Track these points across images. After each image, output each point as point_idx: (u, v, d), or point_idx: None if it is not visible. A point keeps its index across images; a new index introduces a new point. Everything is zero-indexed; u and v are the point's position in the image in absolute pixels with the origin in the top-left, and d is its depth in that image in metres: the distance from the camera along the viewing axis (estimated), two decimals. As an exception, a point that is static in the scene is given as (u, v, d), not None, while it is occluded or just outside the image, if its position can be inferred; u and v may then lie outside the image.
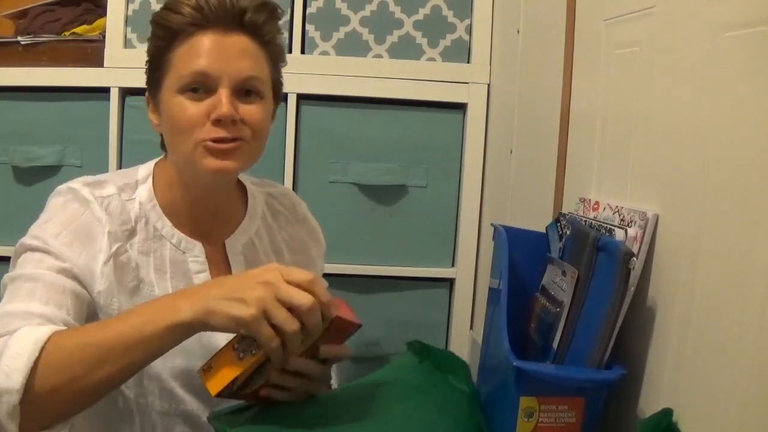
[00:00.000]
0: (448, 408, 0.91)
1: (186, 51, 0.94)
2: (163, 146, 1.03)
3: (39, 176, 1.64)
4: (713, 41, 0.74)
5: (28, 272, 0.90)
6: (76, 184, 0.98)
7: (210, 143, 0.92)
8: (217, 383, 0.80)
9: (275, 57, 1.01)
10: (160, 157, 1.05)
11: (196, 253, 1.01)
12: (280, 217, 1.15)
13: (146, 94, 1.01)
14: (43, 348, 0.78)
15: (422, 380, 0.98)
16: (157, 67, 0.97)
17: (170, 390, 0.98)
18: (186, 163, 0.96)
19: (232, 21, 0.94)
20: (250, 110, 0.95)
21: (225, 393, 0.81)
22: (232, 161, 0.94)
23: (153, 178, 1.02)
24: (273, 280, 0.78)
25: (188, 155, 0.94)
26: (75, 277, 0.91)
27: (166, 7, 0.95)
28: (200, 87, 0.93)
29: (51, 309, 0.86)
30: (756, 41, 0.67)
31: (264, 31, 0.97)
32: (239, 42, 0.95)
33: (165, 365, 0.96)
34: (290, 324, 0.77)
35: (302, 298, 0.77)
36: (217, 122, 0.92)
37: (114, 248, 0.95)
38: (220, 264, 1.04)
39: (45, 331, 0.80)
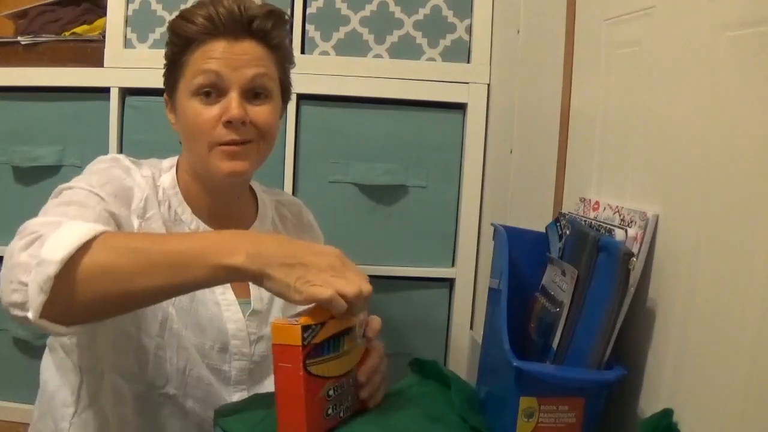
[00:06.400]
0: (445, 414, 0.91)
1: (199, 56, 1.00)
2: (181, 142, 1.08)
3: (39, 176, 1.64)
4: (713, 41, 0.74)
5: (77, 199, 0.91)
6: (119, 155, 1.04)
7: (223, 146, 0.99)
8: (306, 320, 0.77)
9: (282, 59, 1.07)
10: (181, 154, 1.10)
11: None
12: (288, 224, 1.20)
13: (164, 94, 1.08)
14: (95, 237, 0.78)
15: (421, 390, 0.99)
16: (173, 70, 1.03)
17: (187, 349, 1.01)
18: (201, 163, 1.02)
19: (242, 29, 1.00)
20: (258, 111, 1.00)
21: (309, 336, 0.76)
22: (243, 162, 1.00)
23: (176, 168, 1.08)
24: (337, 265, 0.80)
25: (203, 156, 1.00)
26: (117, 223, 0.95)
27: (182, 17, 1.02)
28: (212, 90, 0.99)
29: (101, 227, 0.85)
30: (756, 41, 0.67)
31: (271, 36, 1.03)
32: (248, 47, 1.00)
33: (184, 332, 1.00)
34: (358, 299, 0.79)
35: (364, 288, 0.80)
36: (228, 124, 0.98)
37: (148, 214, 1.00)
38: None
39: (100, 227, 0.81)
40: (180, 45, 1.01)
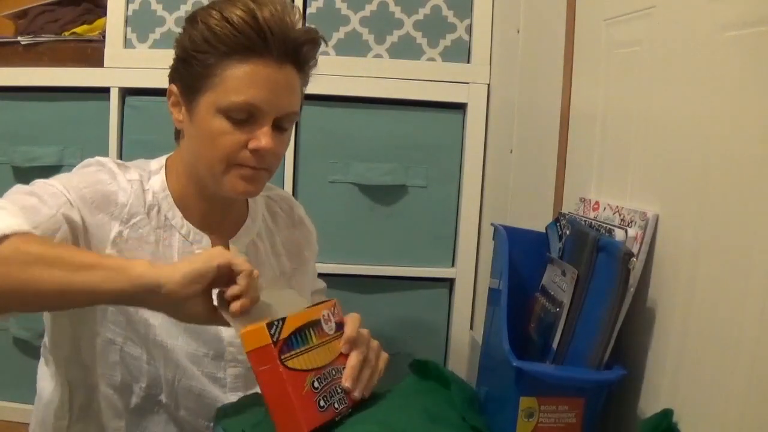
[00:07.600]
0: (445, 414, 0.91)
1: (242, 77, 0.93)
2: (176, 137, 1.05)
3: (39, 176, 1.59)
4: (713, 41, 0.74)
5: (43, 194, 0.91)
6: (105, 159, 1.01)
7: (243, 170, 0.96)
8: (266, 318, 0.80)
9: (306, 84, 1.03)
10: (170, 153, 1.07)
11: (203, 245, 1.03)
12: (279, 220, 1.18)
13: (170, 85, 1.00)
14: (15, 233, 0.80)
15: (422, 389, 0.98)
16: (196, 70, 0.95)
17: (175, 360, 1.01)
18: (211, 176, 0.98)
19: (287, 53, 0.95)
20: (280, 142, 0.98)
21: (276, 332, 0.79)
22: (257, 185, 0.99)
23: (165, 170, 1.04)
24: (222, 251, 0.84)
25: (218, 173, 0.97)
26: (77, 230, 0.92)
27: (225, 19, 0.93)
28: (246, 117, 0.95)
29: (38, 233, 0.86)
30: (756, 41, 0.67)
31: (310, 64, 1.00)
32: (289, 76, 0.96)
33: (174, 343, 1.00)
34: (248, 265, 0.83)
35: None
36: (256, 152, 0.95)
37: (134, 220, 0.98)
38: None
39: (24, 227, 0.82)
40: (216, 49, 0.93)
